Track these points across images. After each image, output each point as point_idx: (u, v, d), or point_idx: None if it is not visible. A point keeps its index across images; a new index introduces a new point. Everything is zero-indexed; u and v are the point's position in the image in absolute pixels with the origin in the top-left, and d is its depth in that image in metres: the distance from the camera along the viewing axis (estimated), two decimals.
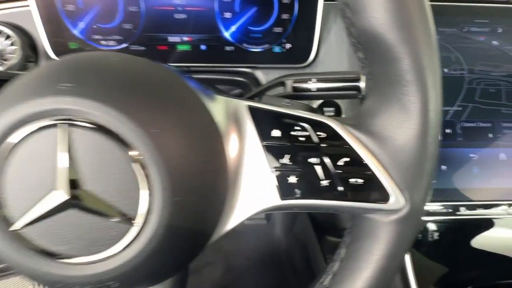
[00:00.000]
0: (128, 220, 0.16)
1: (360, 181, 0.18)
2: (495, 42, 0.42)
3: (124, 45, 0.42)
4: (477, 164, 0.37)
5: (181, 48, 0.42)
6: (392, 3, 0.15)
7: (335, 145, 0.19)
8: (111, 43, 0.42)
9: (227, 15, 0.40)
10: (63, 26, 0.40)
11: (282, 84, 0.33)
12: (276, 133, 0.20)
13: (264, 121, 0.20)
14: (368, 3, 0.16)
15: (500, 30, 0.43)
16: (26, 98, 0.15)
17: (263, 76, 0.44)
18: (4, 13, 0.43)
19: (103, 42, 0.41)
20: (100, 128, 0.15)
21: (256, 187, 0.20)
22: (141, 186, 0.16)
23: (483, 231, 0.35)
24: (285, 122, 0.20)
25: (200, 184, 0.18)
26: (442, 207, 0.36)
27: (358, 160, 0.19)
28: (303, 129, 0.20)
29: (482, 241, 0.34)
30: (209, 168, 0.18)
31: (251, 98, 0.40)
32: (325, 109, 0.41)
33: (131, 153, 0.16)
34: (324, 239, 0.75)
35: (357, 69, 0.44)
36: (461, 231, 0.34)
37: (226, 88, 0.48)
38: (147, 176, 0.16)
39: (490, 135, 0.39)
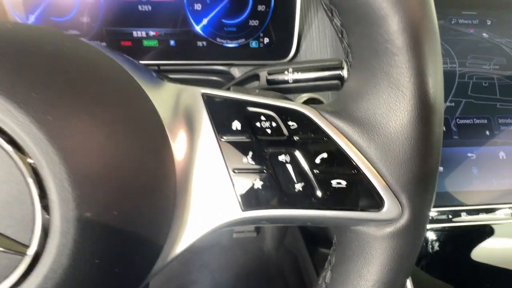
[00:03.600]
0: (20, 248, 0.11)
1: (343, 183, 0.14)
2: (485, 34, 0.40)
3: None
4: (476, 164, 0.34)
5: (147, 44, 0.38)
6: None
7: (311, 138, 0.15)
8: None
9: (197, 6, 0.37)
10: (10, 20, 0.36)
11: (256, 77, 0.29)
12: (236, 125, 0.15)
13: (221, 111, 0.16)
14: None
15: (489, 23, 0.40)
16: None
17: (239, 74, 0.40)
18: None
19: None
20: None
21: (211, 196, 0.15)
22: (35, 200, 0.11)
23: (486, 239, 0.31)
24: (248, 112, 0.16)
25: (131, 195, 0.13)
26: (440, 214, 0.33)
27: (341, 155, 0.14)
28: (270, 118, 0.15)
29: (486, 251, 0.30)
30: (145, 172, 0.14)
31: None
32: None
33: (20, 156, 0.11)
34: (315, 251, 0.70)
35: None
36: (462, 240, 0.30)
37: None
38: (42, 186, 0.11)
39: (487, 132, 0.36)
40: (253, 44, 0.39)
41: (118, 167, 0.12)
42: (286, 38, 0.39)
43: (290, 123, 0.15)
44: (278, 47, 0.39)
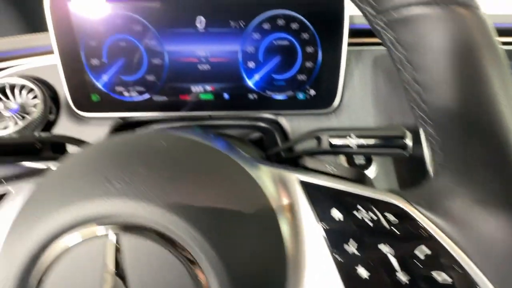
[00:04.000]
0: None
1: (447, 278, 0.16)
2: None
3: (146, 96, 0.41)
4: None
5: (204, 97, 0.42)
6: (474, 77, 0.14)
7: (411, 232, 0.17)
8: (134, 94, 0.41)
9: (251, 64, 0.40)
10: (87, 80, 0.40)
11: (318, 139, 0.31)
12: (336, 213, 0.18)
13: (320, 199, 0.18)
14: (444, 79, 0.14)
15: None
16: (69, 201, 0.14)
17: (287, 122, 0.43)
18: (27, 67, 0.43)
19: (125, 94, 0.41)
20: (157, 235, 0.13)
21: (318, 279, 0.17)
22: None
23: None
24: (346, 201, 0.18)
25: (263, 282, 0.15)
26: None
27: (443, 251, 0.16)
28: (368, 209, 0.17)
29: None
30: (270, 260, 0.16)
31: (282, 152, 0.38)
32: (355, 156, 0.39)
33: (192, 265, 0.13)
34: None
35: (385, 114, 0.43)
36: None
37: (244, 132, 0.47)
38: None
39: None
40: (300, 96, 0.42)
41: (257, 263, 0.15)
42: (331, 89, 0.42)
43: (388, 216, 0.17)
44: (324, 98, 0.42)
